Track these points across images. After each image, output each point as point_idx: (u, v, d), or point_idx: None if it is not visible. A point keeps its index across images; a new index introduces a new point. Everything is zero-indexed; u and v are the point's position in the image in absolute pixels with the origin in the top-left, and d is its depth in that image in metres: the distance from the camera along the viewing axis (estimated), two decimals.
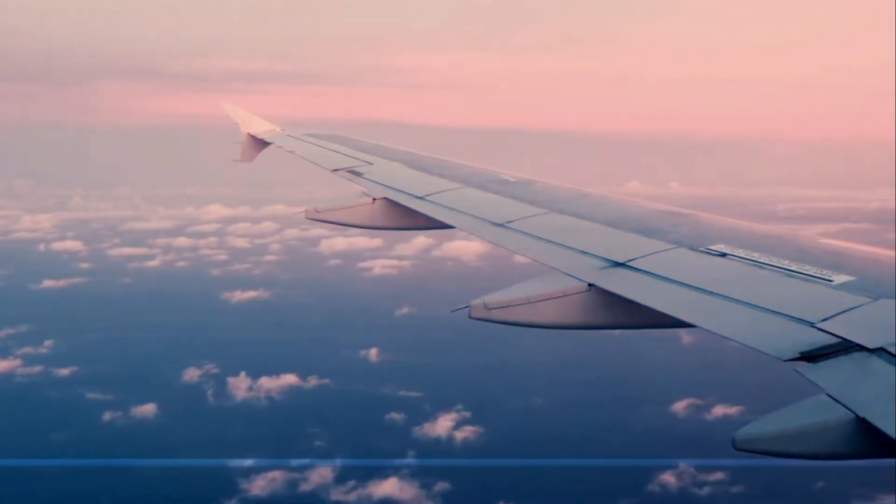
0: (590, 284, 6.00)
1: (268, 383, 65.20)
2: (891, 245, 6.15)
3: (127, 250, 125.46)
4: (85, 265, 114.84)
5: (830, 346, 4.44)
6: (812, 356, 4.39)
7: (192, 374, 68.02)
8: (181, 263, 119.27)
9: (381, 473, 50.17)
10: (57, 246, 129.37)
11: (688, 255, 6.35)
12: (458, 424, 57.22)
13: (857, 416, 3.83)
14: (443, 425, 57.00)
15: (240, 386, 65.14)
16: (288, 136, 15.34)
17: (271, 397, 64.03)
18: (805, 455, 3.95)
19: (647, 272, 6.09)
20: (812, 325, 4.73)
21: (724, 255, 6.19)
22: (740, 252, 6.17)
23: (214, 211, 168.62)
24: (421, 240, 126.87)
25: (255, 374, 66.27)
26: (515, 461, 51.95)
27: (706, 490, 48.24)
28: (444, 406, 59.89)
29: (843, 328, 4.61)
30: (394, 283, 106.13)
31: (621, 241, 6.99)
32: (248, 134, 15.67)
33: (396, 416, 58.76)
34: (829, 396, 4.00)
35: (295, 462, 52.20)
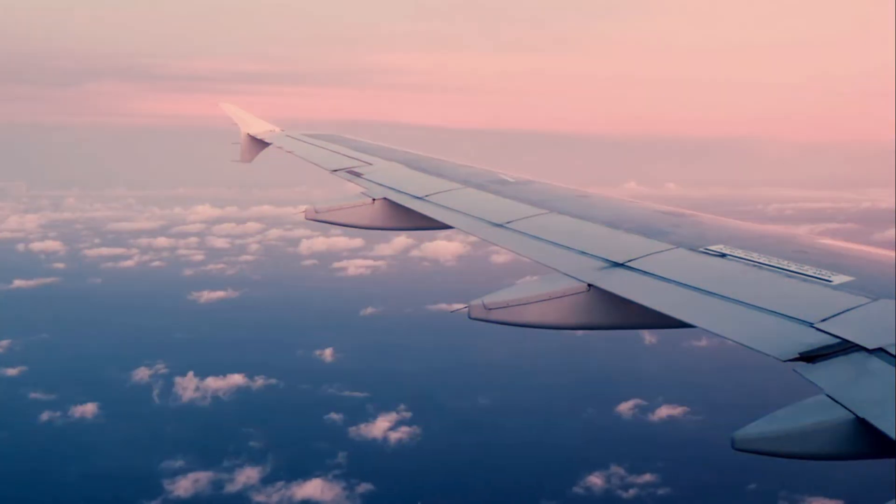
0: (589, 285, 5.98)
1: (214, 383, 64.80)
2: (880, 245, 6.17)
3: (105, 251, 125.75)
4: (59, 265, 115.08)
5: (830, 346, 4.44)
6: (811, 356, 4.39)
7: (142, 374, 67.83)
8: (156, 263, 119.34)
9: (309, 474, 49.66)
10: (36, 246, 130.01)
11: (687, 256, 6.34)
12: (397, 425, 56.65)
13: (857, 416, 3.83)
14: (380, 426, 56.43)
15: (187, 386, 64.80)
16: (287, 136, 15.42)
17: (217, 397, 63.65)
18: (804, 455, 3.93)
19: (646, 272, 6.06)
20: (811, 325, 4.72)
21: (723, 255, 6.19)
22: (740, 252, 6.17)
23: (201, 211, 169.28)
24: (401, 240, 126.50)
25: (204, 375, 65.91)
26: (444, 461, 51.31)
27: (632, 492, 47.45)
28: (388, 407, 59.36)
29: (843, 328, 4.61)
30: (365, 283, 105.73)
31: (621, 241, 6.97)
32: (248, 134, 15.81)
33: (336, 416, 58.23)
34: (829, 397, 3.99)
35: (226, 463, 51.82)
